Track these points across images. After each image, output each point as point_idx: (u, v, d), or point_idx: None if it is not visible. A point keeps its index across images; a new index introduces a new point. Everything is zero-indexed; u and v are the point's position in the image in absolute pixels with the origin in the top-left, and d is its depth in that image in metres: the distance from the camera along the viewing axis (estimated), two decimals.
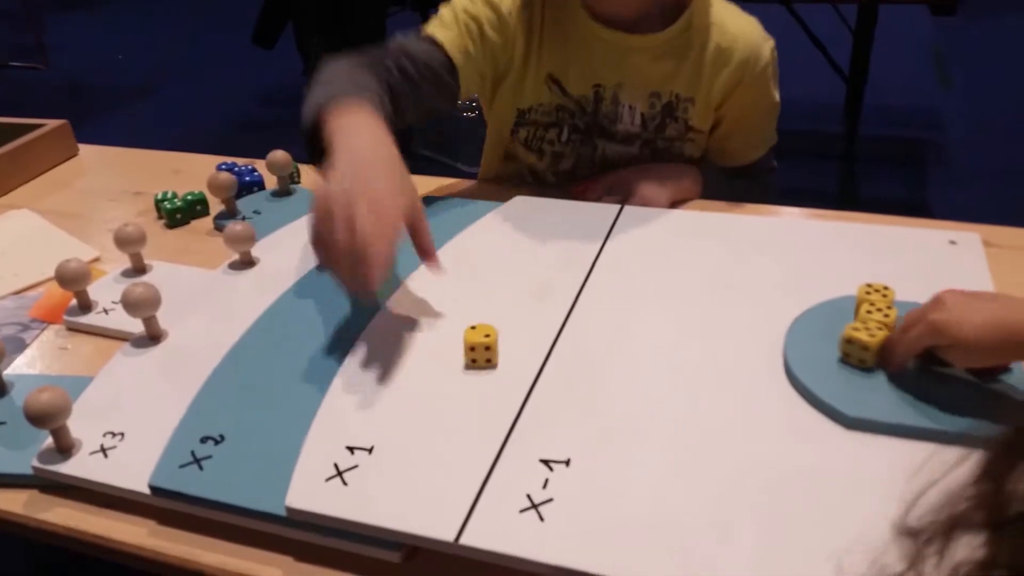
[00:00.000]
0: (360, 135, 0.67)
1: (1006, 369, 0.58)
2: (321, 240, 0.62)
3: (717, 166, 0.98)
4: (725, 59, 0.90)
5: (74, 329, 0.78)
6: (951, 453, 0.34)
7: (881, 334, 0.60)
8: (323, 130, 0.69)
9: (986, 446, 0.32)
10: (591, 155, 0.95)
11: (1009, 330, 0.51)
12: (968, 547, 0.30)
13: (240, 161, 1.06)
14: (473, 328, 0.64)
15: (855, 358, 0.60)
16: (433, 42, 0.85)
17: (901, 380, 0.59)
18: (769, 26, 0.94)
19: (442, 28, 0.85)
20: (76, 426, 0.61)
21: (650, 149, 0.94)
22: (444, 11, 0.87)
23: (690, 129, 0.93)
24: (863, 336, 0.59)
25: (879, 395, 0.58)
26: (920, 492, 0.34)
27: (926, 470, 0.34)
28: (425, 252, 0.67)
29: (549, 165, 0.97)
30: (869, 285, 0.66)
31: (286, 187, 0.98)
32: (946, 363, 0.57)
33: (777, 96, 0.94)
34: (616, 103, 0.91)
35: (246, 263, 0.83)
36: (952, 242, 0.77)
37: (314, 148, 0.71)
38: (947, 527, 0.31)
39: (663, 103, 0.91)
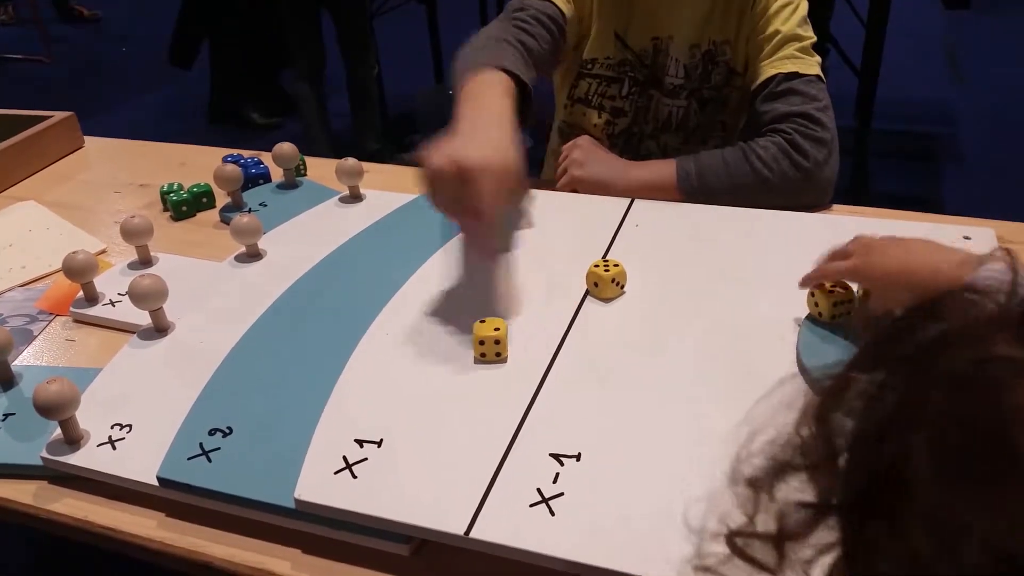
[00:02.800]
0: (474, 104, 0.75)
1: None
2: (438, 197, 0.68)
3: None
4: None
5: (81, 321, 0.78)
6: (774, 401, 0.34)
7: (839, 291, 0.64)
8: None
9: (811, 393, 0.33)
10: (647, 107, 0.98)
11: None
12: (796, 491, 0.31)
13: (246, 153, 1.05)
14: (483, 322, 0.64)
15: (815, 311, 0.65)
16: None
17: None
18: None
19: None
20: (84, 418, 0.61)
21: (696, 100, 0.97)
22: None
23: (733, 72, 0.96)
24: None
25: None
26: (747, 441, 0.34)
27: (755, 419, 0.34)
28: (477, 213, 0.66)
29: (607, 124, 0.99)
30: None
31: (292, 179, 0.97)
32: None
33: (799, 30, 0.91)
34: (666, 55, 0.96)
35: (253, 256, 0.82)
36: (966, 237, 0.76)
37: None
38: (775, 472, 0.32)
39: (703, 51, 0.95)
